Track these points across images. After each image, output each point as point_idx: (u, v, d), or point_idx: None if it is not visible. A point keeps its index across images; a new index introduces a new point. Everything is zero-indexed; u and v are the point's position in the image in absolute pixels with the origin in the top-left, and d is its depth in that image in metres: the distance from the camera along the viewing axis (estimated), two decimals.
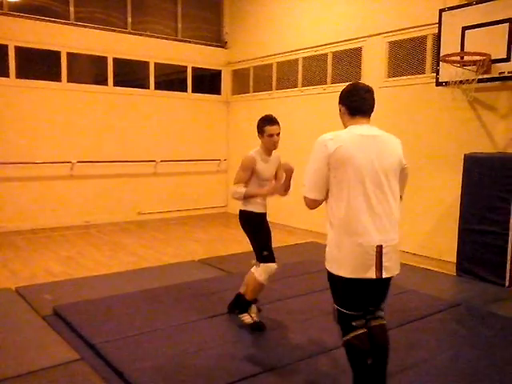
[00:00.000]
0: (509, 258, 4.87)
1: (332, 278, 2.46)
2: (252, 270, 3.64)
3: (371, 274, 2.32)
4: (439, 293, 4.63)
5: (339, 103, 2.53)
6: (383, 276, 2.34)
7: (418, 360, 3.20)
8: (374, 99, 2.48)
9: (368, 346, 2.39)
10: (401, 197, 2.52)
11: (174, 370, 3.04)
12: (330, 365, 3.16)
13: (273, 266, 3.57)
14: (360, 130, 2.41)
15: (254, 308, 3.69)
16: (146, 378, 2.90)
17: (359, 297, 2.41)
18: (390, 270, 2.36)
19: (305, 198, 2.48)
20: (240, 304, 3.75)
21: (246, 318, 3.66)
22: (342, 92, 2.53)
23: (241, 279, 3.87)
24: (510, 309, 4.25)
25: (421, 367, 3.10)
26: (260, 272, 3.57)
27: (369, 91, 2.47)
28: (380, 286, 2.43)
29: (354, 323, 2.40)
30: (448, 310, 4.15)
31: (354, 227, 2.33)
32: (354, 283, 2.34)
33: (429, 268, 5.61)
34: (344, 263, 2.37)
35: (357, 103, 2.44)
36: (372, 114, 2.48)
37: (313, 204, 2.49)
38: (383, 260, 2.32)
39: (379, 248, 2.31)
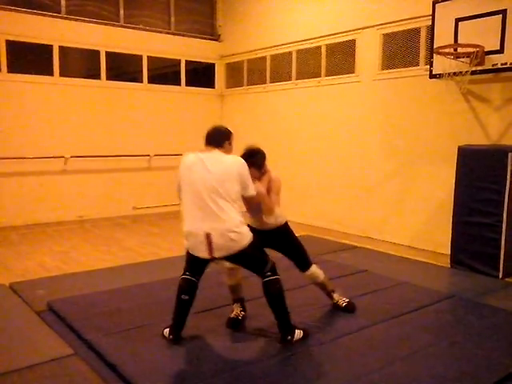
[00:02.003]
0: (502, 249, 4.89)
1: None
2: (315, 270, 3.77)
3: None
4: (433, 285, 4.64)
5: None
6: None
7: (412, 351, 3.21)
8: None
9: (186, 287, 3.32)
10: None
11: (168, 363, 3.04)
12: (324, 357, 3.17)
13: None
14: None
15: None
16: (140, 372, 2.90)
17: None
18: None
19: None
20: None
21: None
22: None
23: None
24: (503, 300, 4.27)
25: (414, 358, 3.12)
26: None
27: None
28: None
29: (186, 272, 3.36)
30: (442, 302, 4.17)
31: None
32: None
33: (423, 260, 5.63)
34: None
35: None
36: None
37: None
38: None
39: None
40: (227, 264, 3.58)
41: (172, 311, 3.38)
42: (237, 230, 3.16)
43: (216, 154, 3.27)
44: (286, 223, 3.72)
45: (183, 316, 3.35)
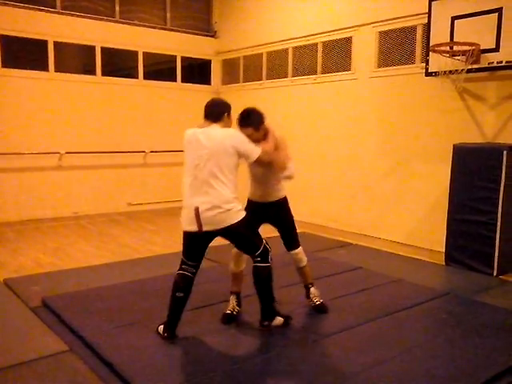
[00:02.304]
0: (497, 247, 4.91)
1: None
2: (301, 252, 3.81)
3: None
4: (428, 282, 4.66)
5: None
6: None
7: (407, 348, 3.22)
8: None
9: (181, 284, 3.33)
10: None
11: (163, 359, 3.04)
12: (319, 354, 3.18)
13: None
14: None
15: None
16: (136, 369, 2.89)
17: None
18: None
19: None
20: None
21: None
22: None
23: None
24: (497, 298, 4.29)
25: (409, 355, 3.13)
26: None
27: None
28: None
29: (183, 266, 3.38)
30: (436, 299, 4.19)
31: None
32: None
33: (418, 258, 5.65)
34: None
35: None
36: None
37: None
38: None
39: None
40: (234, 250, 3.67)
41: (167, 308, 3.38)
42: (224, 207, 3.19)
43: (211, 129, 3.28)
44: (286, 198, 3.77)
45: (178, 313, 3.36)
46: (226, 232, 3.28)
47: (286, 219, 3.78)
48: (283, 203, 3.76)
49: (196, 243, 3.36)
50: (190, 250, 3.39)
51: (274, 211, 3.73)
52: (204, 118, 3.35)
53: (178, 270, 3.39)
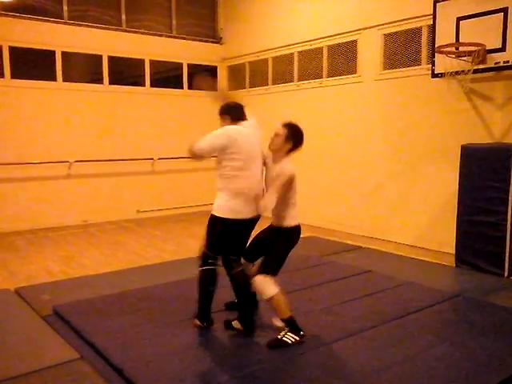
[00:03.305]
0: (507, 248, 4.87)
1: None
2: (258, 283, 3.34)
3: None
4: (438, 284, 4.63)
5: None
6: None
7: (417, 351, 3.20)
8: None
9: (213, 278, 3.53)
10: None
11: (174, 366, 3.04)
12: (328, 357, 3.17)
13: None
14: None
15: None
16: (146, 376, 2.90)
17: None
18: None
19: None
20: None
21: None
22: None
23: None
24: (508, 299, 4.25)
25: (419, 358, 3.11)
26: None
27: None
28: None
29: (209, 261, 3.55)
30: (447, 302, 4.16)
31: None
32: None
33: (427, 260, 5.62)
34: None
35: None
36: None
37: None
38: None
39: None
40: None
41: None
42: None
43: (249, 125, 3.57)
44: (286, 231, 3.41)
45: (210, 303, 3.60)
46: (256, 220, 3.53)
47: (273, 245, 3.39)
48: (281, 233, 3.41)
49: (241, 231, 3.52)
50: (231, 244, 3.55)
51: (271, 237, 3.45)
52: (236, 119, 3.53)
53: (204, 266, 3.56)
